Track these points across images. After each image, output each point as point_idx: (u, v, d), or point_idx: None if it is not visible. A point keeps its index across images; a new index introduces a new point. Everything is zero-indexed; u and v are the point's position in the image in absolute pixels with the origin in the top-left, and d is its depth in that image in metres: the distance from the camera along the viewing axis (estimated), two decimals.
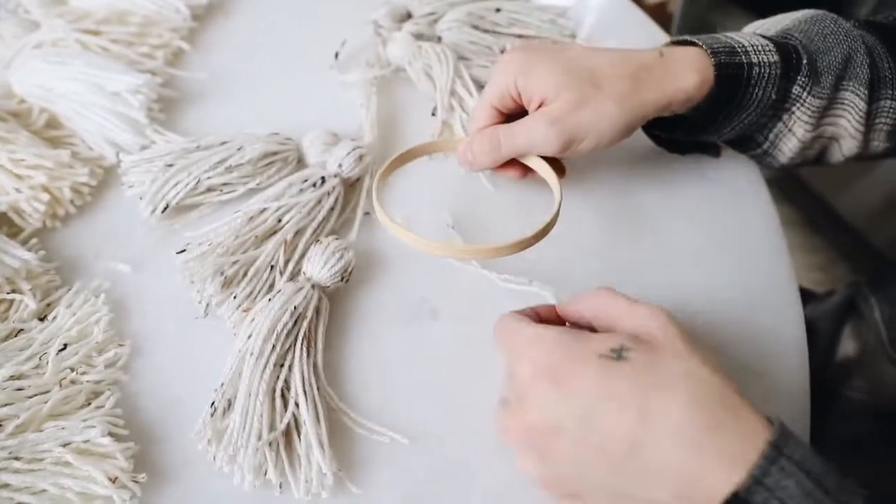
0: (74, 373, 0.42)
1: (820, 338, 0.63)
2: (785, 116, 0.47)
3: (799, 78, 0.45)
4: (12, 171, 0.47)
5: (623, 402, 0.30)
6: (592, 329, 0.37)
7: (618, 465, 0.31)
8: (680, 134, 0.49)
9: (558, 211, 0.44)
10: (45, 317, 0.44)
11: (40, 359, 0.42)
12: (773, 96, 0.45)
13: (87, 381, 0.42)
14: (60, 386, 0.41)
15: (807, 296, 0.71)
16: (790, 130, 0.47)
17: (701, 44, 0.45)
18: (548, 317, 0.39)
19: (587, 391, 0.31)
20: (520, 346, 0.35)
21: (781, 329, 0.48)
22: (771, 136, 0.48)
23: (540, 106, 0.45)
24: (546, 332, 0.34)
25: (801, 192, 1.22)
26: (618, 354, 0.32)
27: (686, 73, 0.44)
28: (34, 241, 0.47)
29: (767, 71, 0.45)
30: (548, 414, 0.32)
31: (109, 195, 0.50)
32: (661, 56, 0.45)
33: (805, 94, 0.45)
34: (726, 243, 0.51)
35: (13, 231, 0.48)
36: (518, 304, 0.41)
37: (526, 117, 0.45)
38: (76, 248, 0.48)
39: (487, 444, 0.41)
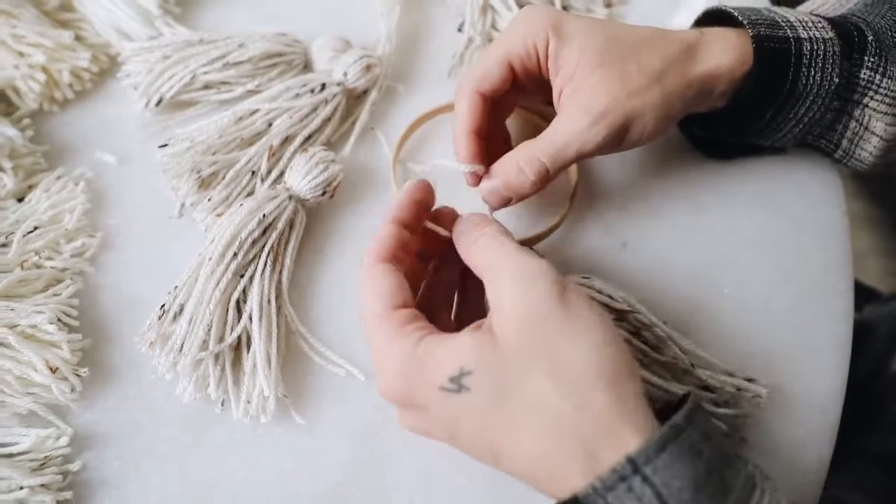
0: (39, 256, 0.40)
1: (876, 343, 0.54)
2: (857, 112, 0.38)
3: (866, 59, 0.37)
4: (12, 46, 0.45)
5: (475, 440, 0.28)
6: None
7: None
8: (725, 134, 0.41)
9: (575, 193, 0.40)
10: (24, 198, 0.43)
11: (7, 238, 0.40)
12: (836, 80, 0.37)
13: (51, 267, 0.40)
14: (22, 268, 0.39)
15: (870, 294, 0.62)
16: (867, 128, 0.38)
17: (737, 14, 0.38)
18: (442, 222, 0.35)
19: (437, 426, 0.29)
20: (374, 350, 0.30)
21: (825, 318, 0.40)
22: (844, 143, 0.40)
23: (560, 87, 0.37)
24: (391, 350, 0.29)
25: (889, 189, 1.06)
26: (457, 385, 0.27)
27: (721, 50, 0.37)
28: (27, 121, 0.45)
29: (822, 48, 0.36)
30: (411, 428, 0.31)
31: (111, 84, 0.48)
32: (702, 34, 0.38)
33: (878, 76, 0.36)
34: (780, 220, 0.43)
35: (9, 110, 0.46)
36: None
37: (560, 118, 0.36)
38: (68, 134, 0.46)
39: None
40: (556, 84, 0.37)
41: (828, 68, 0.37)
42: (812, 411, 0.39)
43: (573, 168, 0.42)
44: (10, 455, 0.35)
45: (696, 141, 0.44)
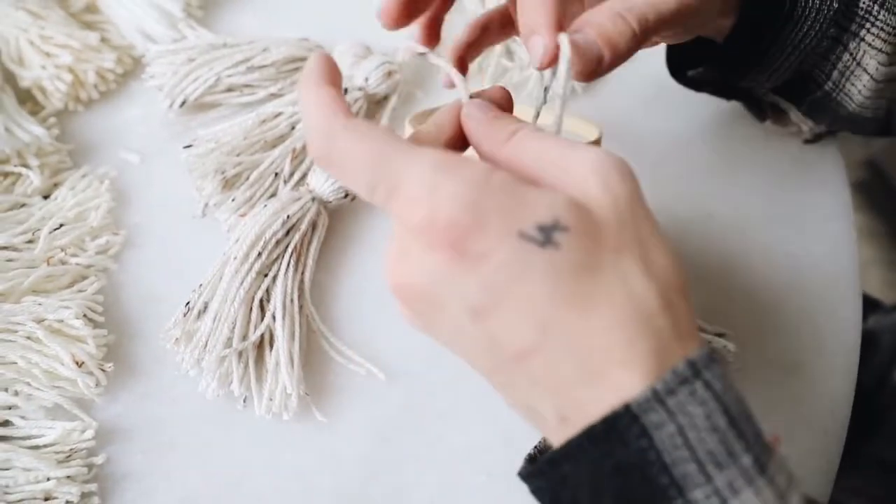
0: (64, 253, 0.41)
1: (879, 353, 0.55)
2: (852, 45, 0.37)
3: None
4: (40, 47, 0.46)
5: (528, 310, 0.23)
6: None
7: (500, 366, 0.25)
8: (723, 71, 0.40)
9: (600, 136, 0.38)
10: (49, 195, 0.44)
11: (34, 234, 0.41)
12: (835, 5, 0.35)
13: (76, 264, 0.41)
14: (48, 263, 0.40)
15: (874, 305, 0.63)
16: (859, 64, 0.37)
17: None
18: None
19: (488, 280, 0.23)
20: (427, 165, 0.24)
21: (834, 325, 0.41)
22: (835, 74, 0.38)
23: None
24: (457, 170, 0.24)
25: (889, 200, 1.07)
26: (545, 237, 0.23)
27: None
28: (52, 120, 0.46)
29: None
30: (431, 285, 0.24)
31: (135, 85, 0.49)
32: None
33: (877, 7, 0.35)
34: (788, 220, 0.44)
35: (36, 109, 0.47)
36: None
37: None
38: (93, 133, 0.47)
39: (468, 393, 0.37)
40: None
41: None
42: (821, 418, 0.39)
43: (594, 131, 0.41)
44: (37, 447, 0.36)
45: (689, 83, 0.43)
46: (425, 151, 0.24)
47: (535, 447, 0.28)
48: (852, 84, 0.38)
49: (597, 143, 0.38)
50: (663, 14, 0.31)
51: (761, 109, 0.45)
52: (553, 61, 0.29)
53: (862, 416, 0.42)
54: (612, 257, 0.23)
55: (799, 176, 0.46)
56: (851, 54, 0.37)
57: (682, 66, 0.42)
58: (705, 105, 0.48)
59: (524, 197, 0.24)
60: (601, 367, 0.23)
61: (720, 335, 0.39)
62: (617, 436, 0.22)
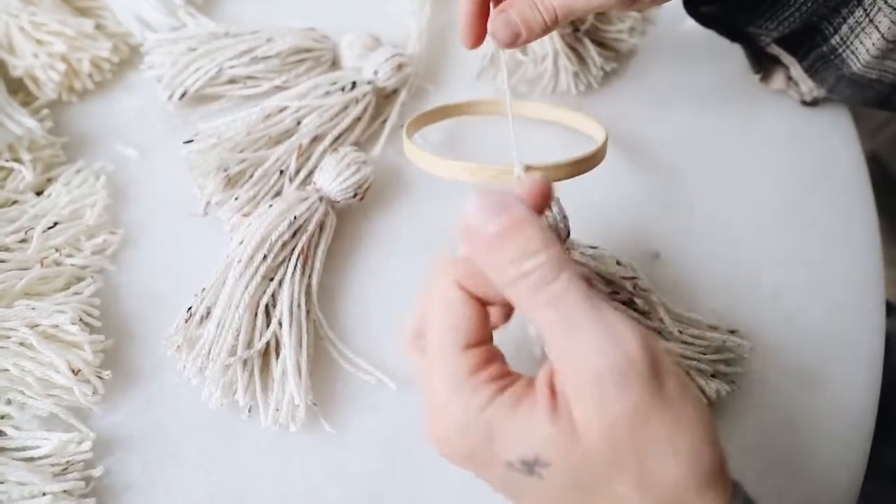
0: (59, 253, 0.39)
1: (890, 357, 0.53)
2: (867, 0, 0.36)
3: None
4: (32, 34, 0.44)
5: None
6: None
7: None
8: (735, 16, 0.39)
9: (605, 141, 0.37)
10: (42, 192, 0.42)
11: (27, 233, 0.39)
12: None
13: (71, 265, 0.39)
14: (42, 265, 0.38)
15: (888, 308, 0.62)
16: (871, 20, 0.36)
17: None
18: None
19: (489, 482, 0.26)
20: (431, 390, 0.26)
21: (856, 336, 0.40)
22: (844, 29, 0.37)
23: None
24: (454, 401, 0.25)
25: (891, 195, 1.05)
26: (529, 470, 0.24)
27: None
28: (45, 111, 0.44)
29: None
30: (449, 459, 0.27)
31: (132, 75, 0.47)
32: None
33: None
34: (809, 218, 0.43)
35: (28, 100, 0.45)
36: None
37: None
38: (88, 126, 0.45)
39: None
40: None
41: None
42: (844, 431, 0.38)
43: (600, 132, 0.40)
44: (31, 459, 0.34)
45: (703, 20, 0.42)
46: (456, 364, 0.25)
47: None
48: (861, 42, 0.37)
49: (601, 150, 0.37)
50: (575, 10, 0.35)
51: (759, 61, 0.44)
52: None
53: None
54: (601, 481, 0.23)
55: (821, 181, 0.45)
56: (865, 10, 0.36)
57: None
58: (721, 106, 0.47)
59: (510, 431, 0.24)
60: None
61: (732, 332, 0.38)
62: None
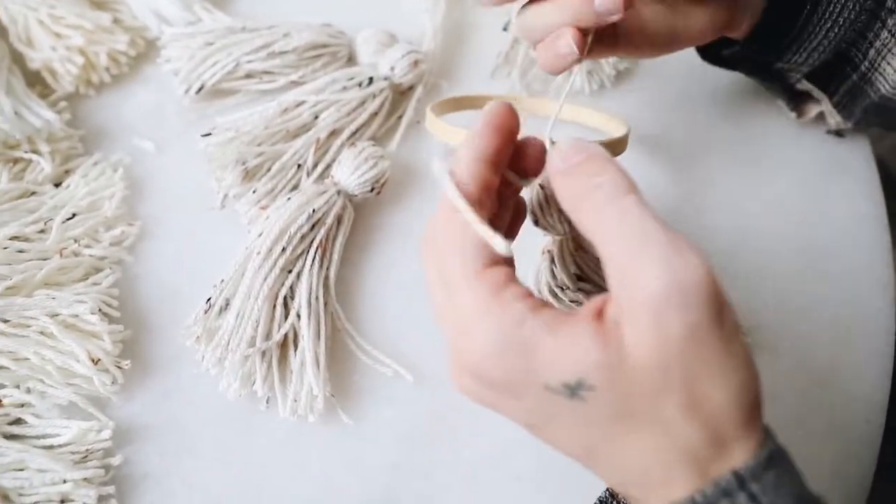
0: (77, 244, 0.39)
1: None
2: (890, 22, 0.36)
3: None
4: (50, 27, 0.44)
5: (568, 438, 0.25)
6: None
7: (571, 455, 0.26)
8: (759, 48, 0.39)
9: (628, 132, 0.37)
10: (60, 183, 0.42)
11: (46, 224, 0.39)
12: None
13: (90, 256, 0.39)
14: (61, 255, 0.39)
15: None
16: None
17: None
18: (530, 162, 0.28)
19: (522, 414, 0.25)
20: (460, 316, 0.25)
21: (868, 330, 0.40)
22: (871, 53, 0.37)
23: None
24: (486, 321, 0.24)
25: (894, 200, 1.06)
26: (570, 393, 0.23)
27: None
28: (63, 104, 0.44)
29: None
30: (484, 401, 0.26)
31: (148, 69, 0.47)
32: None
33: None
34: (818, 225, 0.43)
35: (46, 92, 0.45)
36: None
37: None
38: (105, 119, 0.45)
39: None
40: None
41: None
42: (855, 425, 0.39)
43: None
44: (51, 447, 0.34)
45: (723, 62, 0.42)
46: (480, 285, 0.24)
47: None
48: (888, 63, 0.37)
49: (624, 139, 0.37)
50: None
51: (792, 98, 0.44)
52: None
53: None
54: (648, 404, 0.23)
55: (833, 179, 0.45)
56: (890, 31, 0.36)
57: (715, 44, 0.40)
58: (735, 105, 0.47)
59: (549, 351, 0.23)
60: (648, 483, 0.24)
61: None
62: None
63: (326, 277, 0.38)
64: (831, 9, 0.36)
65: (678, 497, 0.23)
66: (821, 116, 0.44)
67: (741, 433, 0.23)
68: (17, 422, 0.35)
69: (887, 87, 0.38)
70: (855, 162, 0.46)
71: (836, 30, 0.37)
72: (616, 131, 0.42)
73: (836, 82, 0.40)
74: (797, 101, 0.44)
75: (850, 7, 0.36)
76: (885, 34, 0.37)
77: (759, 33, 0.38)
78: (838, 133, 0.46)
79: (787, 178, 0.45)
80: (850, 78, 0.39)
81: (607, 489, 0.30)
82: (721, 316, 0.23)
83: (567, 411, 0.24)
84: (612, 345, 0.23)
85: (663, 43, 0.36)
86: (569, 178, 0.26)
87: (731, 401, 0.23)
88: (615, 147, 0.36)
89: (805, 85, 0.41)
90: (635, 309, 0.23)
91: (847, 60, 0.39)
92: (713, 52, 0.41)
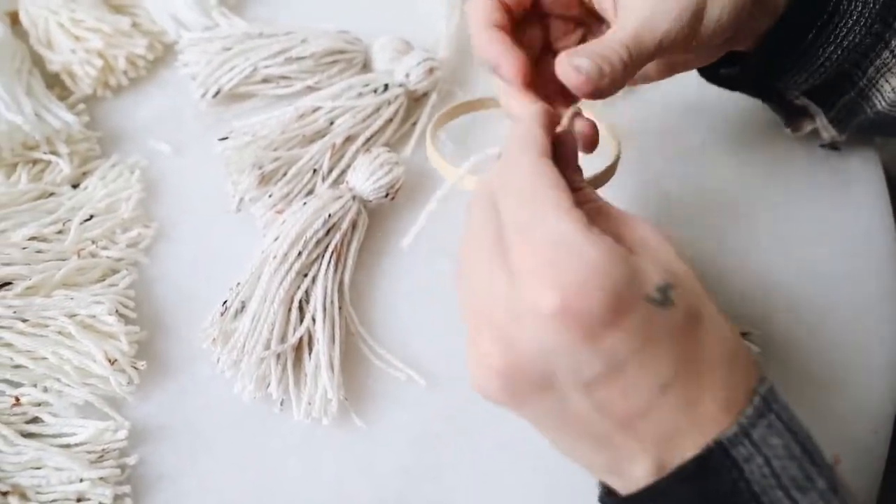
0: (95, 245, 0.40)
1: None
2: (893, 42, 0.36)
3: None
4: (70, 30, 0.45)
5: (650, 373, 0.23)
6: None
7: (596, 433, 0.24)
8: (762, 69, 0.39)
9: (618, 155, 0.37)
10: (78, 185, 0.42)
11: (64, 225, 0.40)
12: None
13: (107, 257, 0.40)
14: (79, 256, 0.39)
15: None
16: None
17: None
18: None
19: (610, 351, 0.23)
20: (546, 241, 0.23)
21: (876, 341, 0.41)
22: (870, 71, 0.37)
23: None
24: (588, 247, 0.23)
25: None
26: (664, 297, 0.23)
27: None
28: (82, 106, 0.45)
29: None
30: (546, 365, 0.23)
31: (165, 73, 0.47)
32: None
33: None
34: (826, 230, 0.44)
35: (64, 94, 0.46)
36: None
37: (627, 7, 0.32)
38: (122, 121, 0.46)
39: None
40: None
41: None
42: (863, 437, 0.39)
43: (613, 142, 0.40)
44: (68, 446, 0.35)
45: (722, 82, 0.42)
46: (565, 217, 0.24)
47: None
48: (886, 80, 0.38)
49: (613, 167, 0.36)
50: (649, 49, 0.32)
51: (789, 113, 0.44)
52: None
53: None
54: (704, 305, 0.25)
55: (839, 189, 0.46)
56: (892, 51, 0.37)
57: (715, 64, 0.40)
58: (741, 116, 0.47)
59: (639, 264, 0.24)
60: (706, 411, 0.24)
61: (744, 334, 0.38)
62: (711, 472, 0.23)
63: (341, 282, 0.39)
64: (837, 31, 0.36)
65: (726, 424, 0.23)
66: (815, 131, 0.44)
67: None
68: (35, 420, 0.35)
69: (884, 103, 0.39)
70: (863, 172, 0.46)
71: (840, 52, 0.37)
72: (607, 143, 0.41)
73: (834, 98, 0.40)
74: (793, 116, 0.44)
75: (857, 31, 0.36)
76: (886, 53, 0.37)
77: (761, 55, 0.38)
78: (833, 146, 0.46)
79: (795, 186, 0.45)
80: (848, 94, 0.40)
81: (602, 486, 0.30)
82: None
83: (663, 325, 0.23)
84: (669, 240, 0.26)
85: (661, 77, 0.38)
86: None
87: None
88: (602, 178, 0.36)
89: (802, 101, 0.42)
90: (645, 235, 0.27)
91: (847, 78, 0.39)
92: (710, 70, 0.41)
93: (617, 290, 0.22)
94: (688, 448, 0.23)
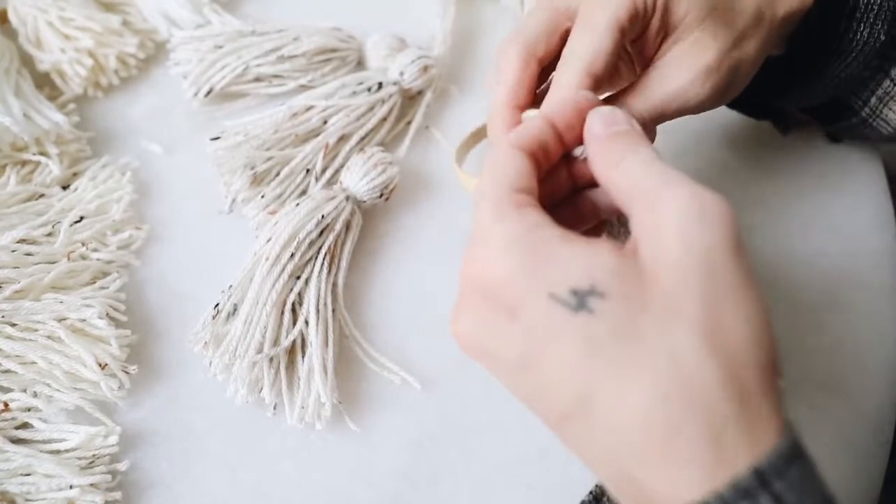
0: (85, 248, 0.39)
1: None
2: (893, 71, 0.36)
3: None
4: (60, 29, 0.44)
5: (564, 374, 0.22)
6: None
7: (552, 422, 0.23)
8: (760, 96, 0.39)
9: None
10: (69, 186, 0.42)
11: (53, 227, 0.39)
12: (882, 38, 0.35)
13: (97, 259, 0.39)
14: (69, 259, 0.38)
15: None
16: None
17: None
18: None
19: (525, 334, 0.22)
20: (477, 231, 0.25)
21: (877, 343, 0.40)
22: (873, 101, 0.38)
23: (656, 42, 0.33)
24: (498, 228, 0.23)
25: None
26: (578, 302, 0.21)
27: None
28: (72, 106, 0.44)
29: (877, 2, 0.35)
30: (478, 336, 0.24)
31: (156, 72, 0.47)
32: None
33: None
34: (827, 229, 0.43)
35: (54, 94, 0.45)
36: None
37: (657, 74, 0.33)
38: (113, 121, 0.45)
39: (506, 402, 0.35)
40: (651, 39, 0.33)
41: (877, 25, 0.35)
42: (863, 440, 0.38)
43: None
44: (58, 451, 0.34)
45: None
46: (490, 197, 0.25)
47: (591, 492, 0.27)
48: (890, 109, 0.38)
49: None
50: (668, 115, 0.33)
51: (787, 125, 0.44)
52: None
53: None
54: (658, 328, 0.21)
55: (840, 186, 0.45)
56: (893, 80, 0.37)
57: None
58: (738, 113, 0.47)
59: (562, 257, 0.23)
60: (645, 450, 0.20)
61: None
62: None
63: (335, 284, 0.38)
64: (837, 70, 0.36)
65: (684, 492, 0.20)
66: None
67: (762, 400, 0.21)
68: (24, 426, 0.35)
69: (889, 129, 0.39)
70: (863, 168, 0.46)
71: (836, 83, 0.37)
72: None
73: (831, 118, 0.41)
74: (789, 126, 0.44)
75: (855, 66, 0.36)
76: (887, 83, 0.37)
77: (761, 81, 0.37)
78: (834, 139, 0.45)
79: (794, 184, 0.45)
80: (849, 120, 0.40)
81: (591, 492, 0.29)
82: (742, 249, 0.23)
83: (569, 331, 0.21)
84: (629, 257, 0.23)
85: None
86: (610, 142, 0.26)
87: (754, 341, 0.21)
88: None
89: (800, 116, 0.42)
90: (658, 225, 0.23)
91: (847, 107, 0.39)
92: None
93: (510, 275, 0.23)
94: (637, 494, 0.22)
